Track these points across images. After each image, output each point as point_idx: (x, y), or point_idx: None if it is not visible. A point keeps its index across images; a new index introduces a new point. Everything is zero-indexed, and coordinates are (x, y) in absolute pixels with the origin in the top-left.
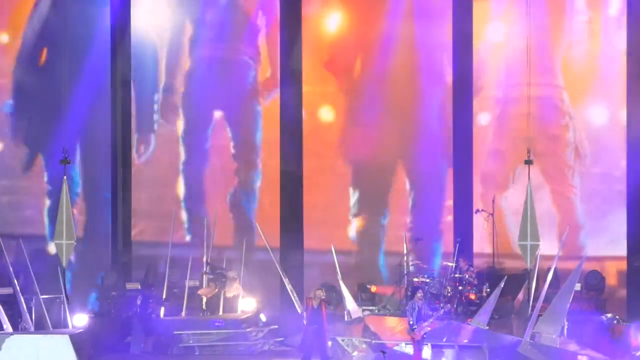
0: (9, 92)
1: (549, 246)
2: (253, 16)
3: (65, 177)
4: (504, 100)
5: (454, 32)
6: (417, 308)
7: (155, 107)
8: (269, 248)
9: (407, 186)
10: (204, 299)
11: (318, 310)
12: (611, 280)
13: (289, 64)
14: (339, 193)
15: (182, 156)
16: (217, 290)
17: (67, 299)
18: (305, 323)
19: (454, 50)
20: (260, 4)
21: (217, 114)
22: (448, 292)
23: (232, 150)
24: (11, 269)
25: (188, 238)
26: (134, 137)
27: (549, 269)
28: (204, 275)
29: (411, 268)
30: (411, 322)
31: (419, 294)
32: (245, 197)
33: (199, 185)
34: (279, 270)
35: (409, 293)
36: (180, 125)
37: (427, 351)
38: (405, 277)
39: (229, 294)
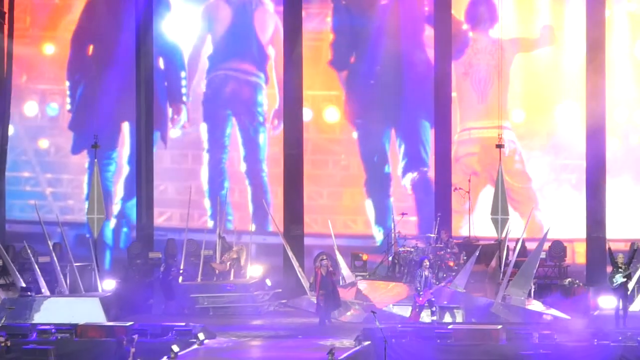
0: (52, 97)
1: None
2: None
3: (96, 160)
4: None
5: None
6: (423, 276)
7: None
8: (279, 230)
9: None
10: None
11: (327, 277)
12: (580, 258)
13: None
14: (342, 183)
15: (205, 146)
16: (228, 267)
17: (98, 266)
18: (317, 290)
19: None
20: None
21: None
22: (430, 259)
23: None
24: (49, 241)
25: (211, 224)
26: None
27: (517, 240)
28: (217, 247)
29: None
30: (418, 288)
31: (426, 263)
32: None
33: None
34: (288, 251)
35: (396, 261)
36: (202, 126)
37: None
38: (392, 247)
39: (242, 262)
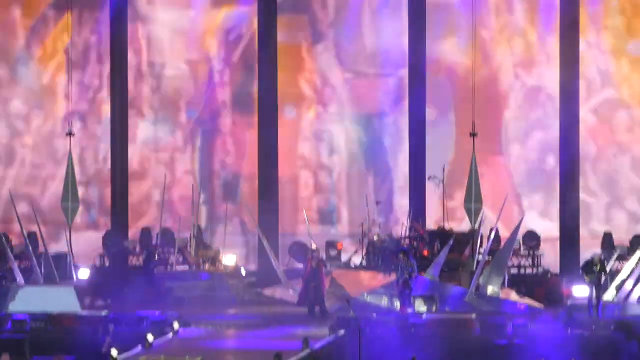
0: None
1: None
2: None
3: (70, 149)
4: None
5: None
6: (399, 266)
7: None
8: (253, 219)
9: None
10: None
11: (317, 269)
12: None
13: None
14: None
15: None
16: (201, 263)
17: (72, 255)
18: (304, 280)
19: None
20: None
21: None
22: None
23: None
24: (22, 228)
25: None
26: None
27: (491, 229)
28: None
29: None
30: (397, 278)
31: (402, 255)
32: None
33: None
34: (263, 240)
35: (370, 249)
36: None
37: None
38: (367, 235)
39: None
